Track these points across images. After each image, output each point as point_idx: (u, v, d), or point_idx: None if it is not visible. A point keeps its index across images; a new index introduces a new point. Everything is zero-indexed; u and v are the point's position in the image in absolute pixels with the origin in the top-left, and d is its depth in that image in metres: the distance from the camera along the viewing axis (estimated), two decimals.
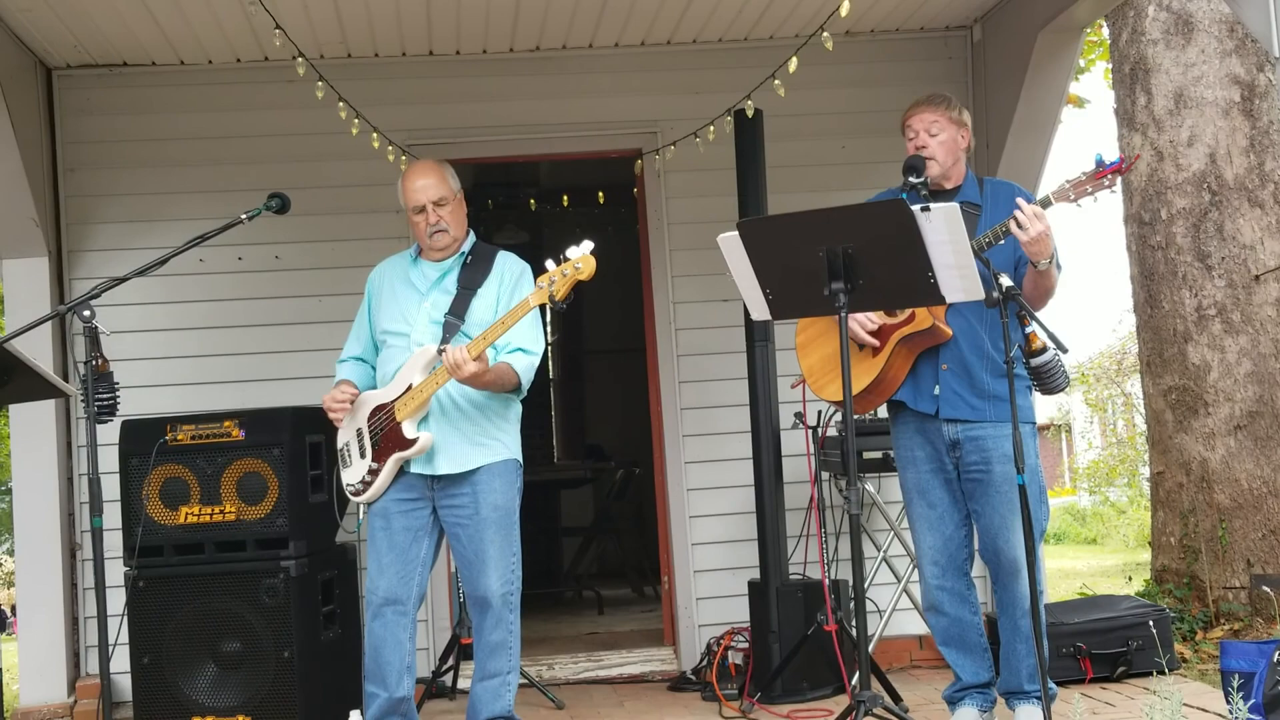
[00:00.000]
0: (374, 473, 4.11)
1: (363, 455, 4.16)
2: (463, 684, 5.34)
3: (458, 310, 4.13)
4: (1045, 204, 3.74)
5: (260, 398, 5.37)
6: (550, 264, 3.80)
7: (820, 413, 5.27)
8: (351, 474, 4.20)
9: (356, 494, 4.19)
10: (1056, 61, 5.52)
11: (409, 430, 4.05)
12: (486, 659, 4.13)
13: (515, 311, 3.91)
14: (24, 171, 5.27)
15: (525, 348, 4.11)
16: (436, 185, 4.18)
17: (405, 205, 4.23)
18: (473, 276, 4.19)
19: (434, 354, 4.03)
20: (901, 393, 4.07)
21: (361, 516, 4.19)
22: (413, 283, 4.24)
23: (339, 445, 4.28)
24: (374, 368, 4.31)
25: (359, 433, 4.17)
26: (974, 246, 3.64)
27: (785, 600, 5.12)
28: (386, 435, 4.09)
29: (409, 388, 4.05)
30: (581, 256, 3.76)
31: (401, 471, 4.11)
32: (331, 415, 4.21)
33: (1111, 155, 3.62)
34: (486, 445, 4.12)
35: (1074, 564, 11.40)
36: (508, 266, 4.24)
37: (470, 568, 4.11)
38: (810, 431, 5.33)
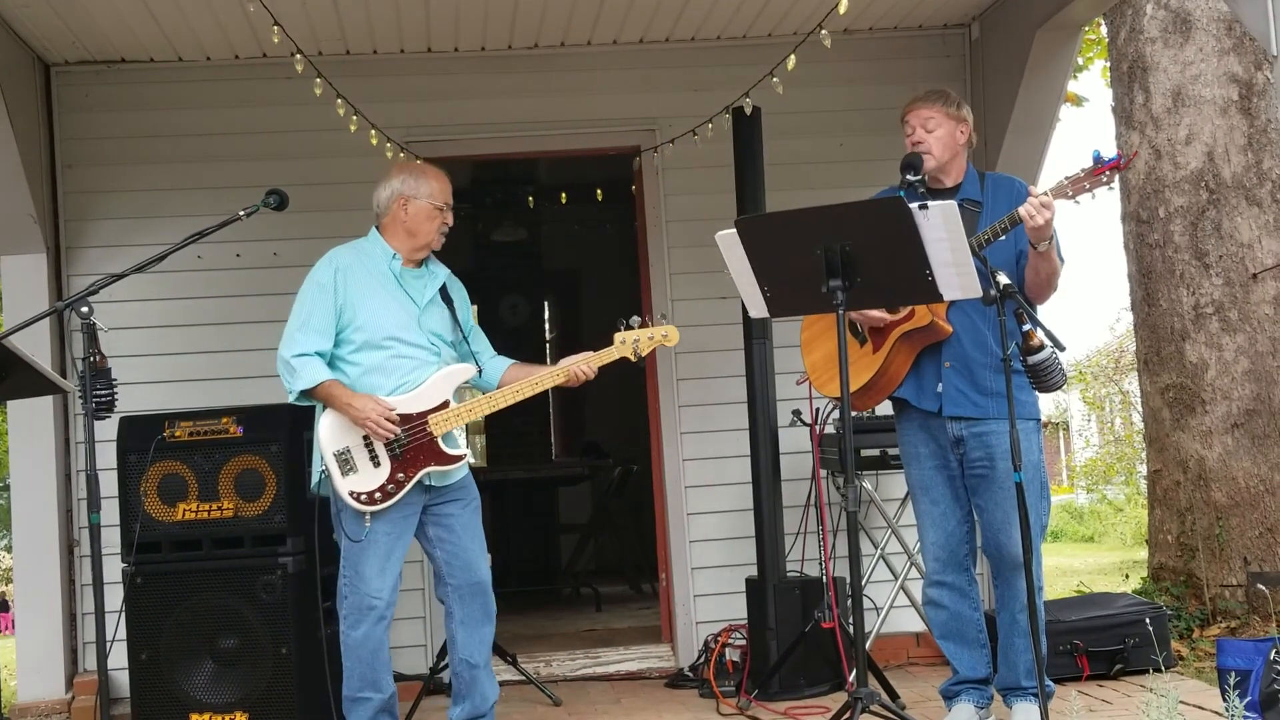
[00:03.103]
0: (399, 484, 4.05)
1: (377, 464, 4.05)
2: None
3: (458, 330, 4.31)
4: None
5: (258, 394, 5.34)
6: (635, 320, 4.16)
7: (819, 410, 5.27)
8: (361, 482, 4.04)
9: (370, 502, 4.04)
10: (1054, 60, 5.53)
11: (449, 446, 4.11)
12: (488, 644, 4.22)
13: (603, 355, 4.16)
14: (22, 168, 5.28)
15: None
16: None
17: (428, 199, 4.20)
18: (445, 291, 4.33)
19: (471, 374, 4.24)
20: (905, 390, 4.08)
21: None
22: (406, 291, 4.21)
23: (333, 449, 4.05)
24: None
25: (367, 440, 4.05)
26: (975, 243, 3.64)
27: (783, 597, 5.13)
28: (417, 448, 4.06)
29: (445, 403, 4.09)
30: (670, 329, 4.19)
31: None
32: (380, 433, 3.99)
33: (1109, 152, 3.61)
34: (465, 450, 4.29)
35: (1071, 562, 11.42)
36: (450, 277, 4.39)
37: (467, 554, 4.19)
38: (809, 429, 5.33)
